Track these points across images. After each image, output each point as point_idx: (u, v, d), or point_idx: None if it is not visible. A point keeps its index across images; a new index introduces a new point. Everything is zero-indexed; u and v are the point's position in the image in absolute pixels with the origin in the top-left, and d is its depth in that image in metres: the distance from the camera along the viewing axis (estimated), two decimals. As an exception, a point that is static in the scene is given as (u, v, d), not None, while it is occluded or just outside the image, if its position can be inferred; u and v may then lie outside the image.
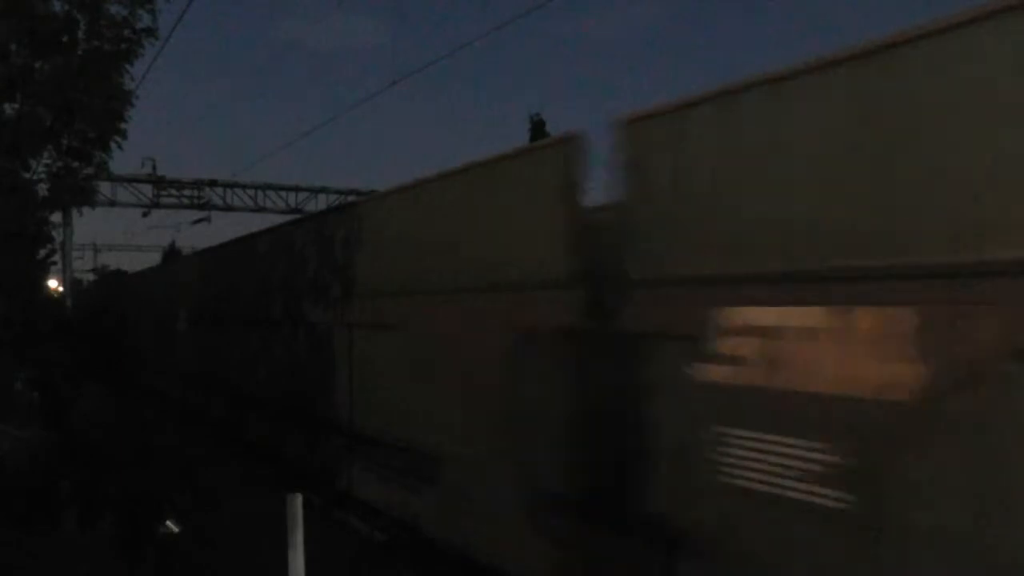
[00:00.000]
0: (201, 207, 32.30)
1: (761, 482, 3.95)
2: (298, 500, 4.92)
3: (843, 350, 3.55)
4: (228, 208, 32.92)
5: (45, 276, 19.32)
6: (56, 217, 13.37)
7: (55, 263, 19.51)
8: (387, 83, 35.53)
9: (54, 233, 13.54)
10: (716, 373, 4.21)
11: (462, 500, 6.42)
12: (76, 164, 11.05)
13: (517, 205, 5.85)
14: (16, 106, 10.29)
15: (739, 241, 4.13)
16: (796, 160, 3.88)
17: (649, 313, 4.67)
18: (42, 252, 13.65)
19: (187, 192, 32.10)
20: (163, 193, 31.71)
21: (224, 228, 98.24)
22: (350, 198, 28.27)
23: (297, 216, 21.74)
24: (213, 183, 32.56)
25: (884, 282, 3.43)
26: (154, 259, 45.48)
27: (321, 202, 32.74)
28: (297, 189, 33.91)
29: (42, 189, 11.18)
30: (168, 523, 8.20)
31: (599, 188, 5.28)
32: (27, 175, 10.89)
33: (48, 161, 10.98)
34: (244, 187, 33.11)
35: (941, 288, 3.21)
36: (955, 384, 3.20)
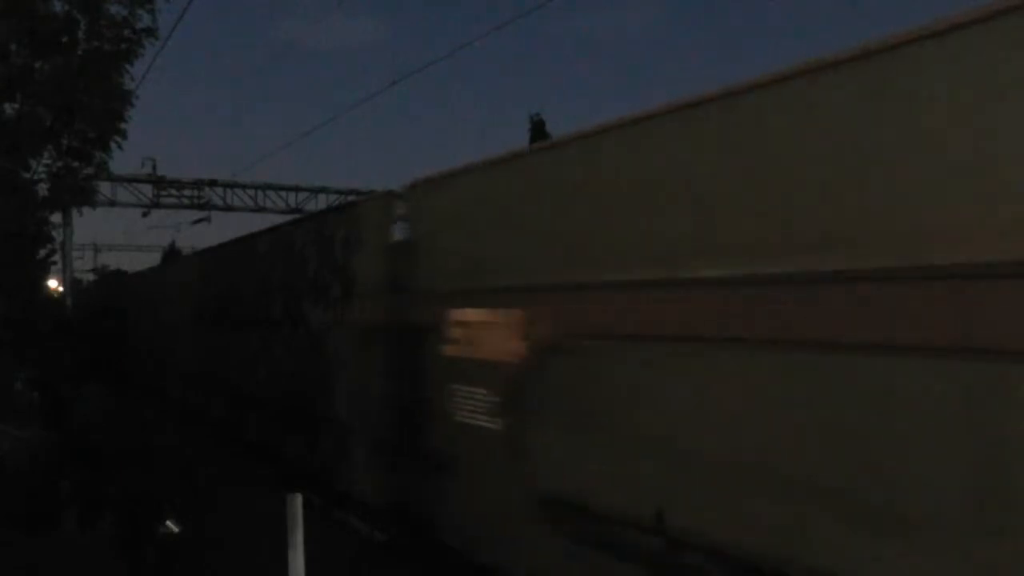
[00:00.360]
0: (201, 207, 32.29)
1: (468, 417, 6.22)
2: (298, 500, 4.93)
3: (495, 333, 5.90)
4: (228, 208, 32.91)
5: (45, 276, 19.33)
6: (56, 217, 13.40)
7: (55, 263, 19.55)
8: (387, 83, 35.57)
9: (54, 233, 13.57)
10: (448, 350, 6.49)
11: (342, 453, 8.68)
12: (76, 164, 11.06)
13: (364, 236, 8.29)
14: (16, 106, 10.30)
15: (456, 269, 6.60)
16: (477, 222, 6.36)
17: (421, 313, 6.97)
18: (42, 252, 13.67)
19: (187, 192, 32.10)
20: (163, 193, 31.71)
21: (224, 228, 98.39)
22: (350, 198, 28.28)
23: (297, 215, 21.77)
24: (213, 183, 32.55)
25: (510, 294, 5.77)
26: (154, 259, 45.57)
27: (321, 202, 32.72)
28: (297, 189, 33.90)
29: (42, 189, 11.20)
30: (168, 523, 8.20)
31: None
32: (27, 175, 10.90)
33: (48, 161, 10.99)
34: (244, 187, 33.10)
35: (533, 299, 5.54)
36: (542, 354, 5.44)
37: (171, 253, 42.47)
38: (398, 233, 7.59)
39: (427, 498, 6.87)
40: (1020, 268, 2.96)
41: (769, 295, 3.85)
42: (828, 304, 3.59)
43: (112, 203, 30.59)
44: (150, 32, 10.54)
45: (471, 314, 6.23)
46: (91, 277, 43.84)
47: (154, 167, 31.33)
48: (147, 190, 31.47)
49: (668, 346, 4.48)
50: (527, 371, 5.54)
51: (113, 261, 72.84)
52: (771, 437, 3.83)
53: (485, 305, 6.05)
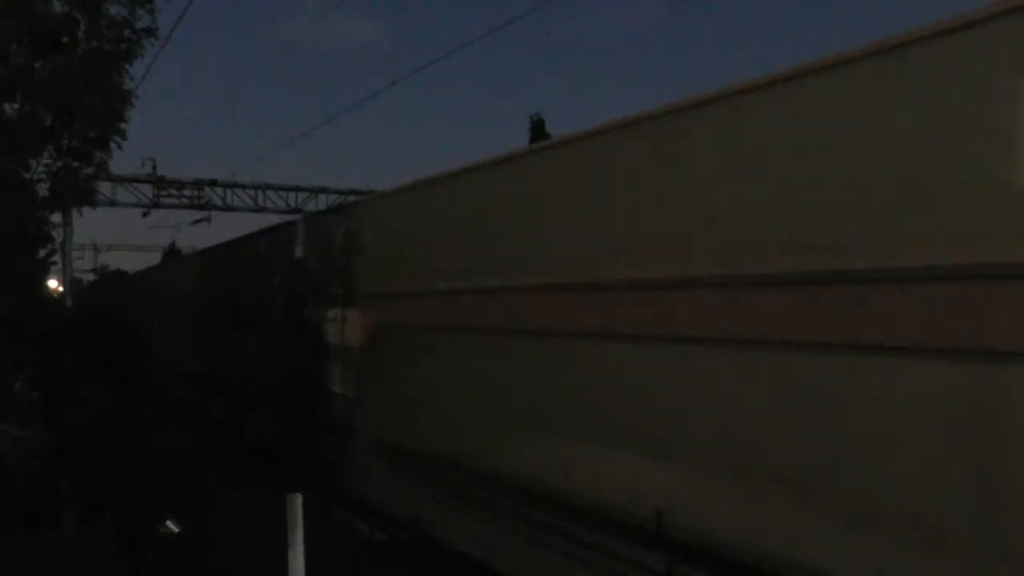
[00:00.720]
0: (201, 207, 32.23)
1: (339, 388, 8.41)
2: (298, 500, 4.92)
3: (350, 327, 8.09)
4: (228, 208, 32.86)
5: (45, 276, 19.30)
6: (56, 217, 13.37)
7: (55, 263, 19.51)
8: (387, 83, 35.56)
9: (54, 233, 13.55)
10: (327, 339, 8.63)
11: (265, 420, 11.06)
12: (76, 164, 11.05)
13: (278, 255, 10.59)
14: (16, 106, 10.29)
15: (330, 279, 8.67)
16: (338, 246, 8.57)
17: (312, 312, 9.10)
18: (42, 252, 13.64)
19: (187, 192, 32.05)
20: (163, 193, 31.65)
21: (224, 228, 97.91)
22: (350, 198, 28.22)
23: (296, 216, 21.69)
24: (213, 183, 32.50)
25: (357, 298, 8.03)
26: (154, 259, 45.45)
27: (321, 202, 32.66)
28: (297, 189, 33.85)
29: (42, 189, 11.18)
30: (168, 523, 8.20)
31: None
32: (27, 175, 10.89)
33: (48, 161, 10.98)
34: (244, 187, 33.04)
35: (369, 302, 7.85)
36: (373, 338, 7.63)
37: (171, 253, 42.39)
38: (299, 253, 9.96)
39: (320, 452, 8.88)
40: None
41: (493, 299, 5.88)
42: (541, 304, 5.44)
43: (112, 203, 30.52)
44: (150, 32, 10.53)
45: (337, 313, 8.42)
46: (91, 277, 43.82)
47: (154, 167, 31.29)
48: (147, 190, 31.43)
49: (440, 335, 6.59)
50: (365, 353, 7.78)
51: (113, 261, 72.64)
52: (493, 389, 5.93)
53: (344, 306, 8.28)
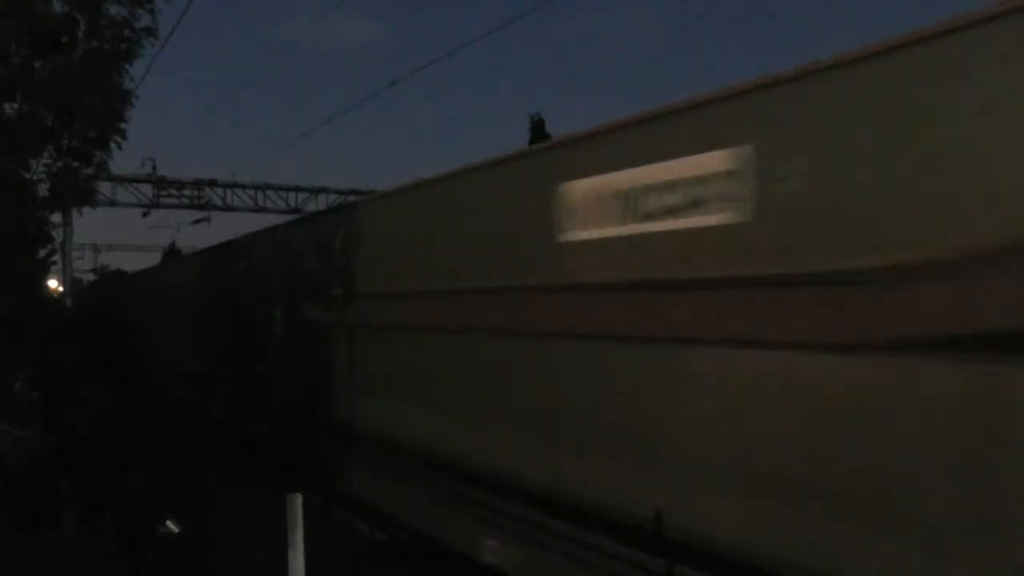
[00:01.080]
0: (201, 207, 32.22)
1: (313, 379, 9.23)
2: (298, 500, 4.93)
3: (323, 323, 8.93)
4: (228, 208, 32.85)
5: (45, 276, 19.29)
6: (56, 217, 13.36)
7: (55, 263, 19.50)
8: (387, 83, 35.53)
9: (54, 233, 13.53)
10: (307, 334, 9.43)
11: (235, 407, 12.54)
12: (76, 164, 11.04)
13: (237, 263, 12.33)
14: (16, 106, 10.28)
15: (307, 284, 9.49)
16: (300, 253, 9.78)
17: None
18: (42, 252, 13.63)
19: (187, 192, 32.04)
20: (163, 193, 31.64)
21: (224, 228, 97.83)
22: (350, 198, 28.19)
23: (296, 216, 21.72)
24: (213, 183, 32.49)
25: (332, 299, 8.68)
26: (154, 259, 45.40)
27: (321, 202, 32.66)
28: (297, 189, 33.84)
29: (42, 189, 11.18)
30: (168, 523, 8.20)
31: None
32: (27, 175, 10.88)
33: (48, 161, 10.97)
34: (244, 187, 33.04)
35: (348, 302, 8.32)
36: (347, 336, 8.24)
37: (171, 253, 42.36)
38: (243, 265, 11.37)
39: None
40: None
41: (439, 302, 6.66)
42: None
43: (112, 203, 30.52)
44: (150, 32, 10.52)
45: (320, 310, 9.02)
46: (91, 277, 43.80)
47: (154, 167, 31.29)
48: (147, 190, 31.42)
49: (400, 332, 7.38)
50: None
51: (113, 261, 72.60)
52: (431, 377, 6.80)
53: (324, 305, 8.93)
